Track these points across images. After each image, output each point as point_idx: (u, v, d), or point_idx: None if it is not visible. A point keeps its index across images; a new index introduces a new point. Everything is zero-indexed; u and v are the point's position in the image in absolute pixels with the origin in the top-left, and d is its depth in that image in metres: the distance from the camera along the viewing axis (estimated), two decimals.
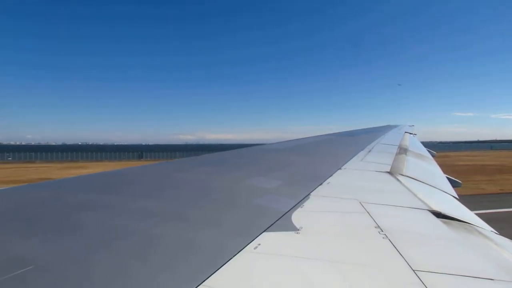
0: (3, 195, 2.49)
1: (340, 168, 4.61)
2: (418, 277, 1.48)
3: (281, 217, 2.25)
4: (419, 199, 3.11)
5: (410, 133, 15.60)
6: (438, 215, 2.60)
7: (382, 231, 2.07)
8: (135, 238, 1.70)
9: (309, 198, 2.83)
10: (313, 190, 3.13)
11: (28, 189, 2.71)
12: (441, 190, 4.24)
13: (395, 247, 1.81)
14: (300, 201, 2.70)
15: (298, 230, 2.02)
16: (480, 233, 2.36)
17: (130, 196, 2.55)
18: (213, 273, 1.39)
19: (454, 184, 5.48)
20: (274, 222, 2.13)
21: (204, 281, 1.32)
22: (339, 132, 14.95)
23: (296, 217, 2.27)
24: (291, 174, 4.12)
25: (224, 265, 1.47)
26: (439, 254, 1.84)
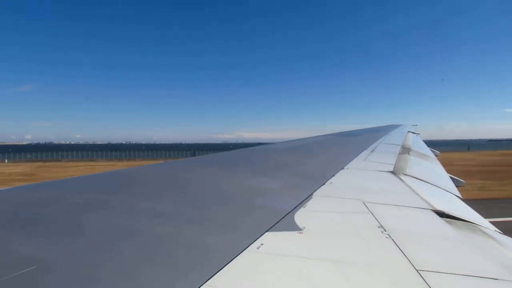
0: (9, 194, 2.50)
1: (343, 168, 4.60)
2: (422, 277, 1.47)
3: (283, 217, 2.25)
4: (422, 198, 3.10)
5: (413, 133, 15.56)
6: (442, 214, 2.60)
7: (385, 231, 2.06)
8: (138, 238, 1.71)
9: (311, 198, 2.83)
10: (315, 190, 3.12)
11: (33, 189, 2.71)
12: (445, 190, 4.22)
13: (398, 247, 1.80)
14: (303, 201, 2.70)
15: (301, 230, 2.01)
16: (484, 232, 2.35)
17: (133, 196, 2.56)
18: (216, 272, 1.39)
19: (457, 183, 5.46)
20: (277, 222, 2.13)
21: (207, 280, 1.32)
22: (342, 132, 14.92)
23: (299, 217, 2.27)
24: (294, 174, 4.12)
25: (227, 265, 1.47)
26: (443, 254, 1.84)
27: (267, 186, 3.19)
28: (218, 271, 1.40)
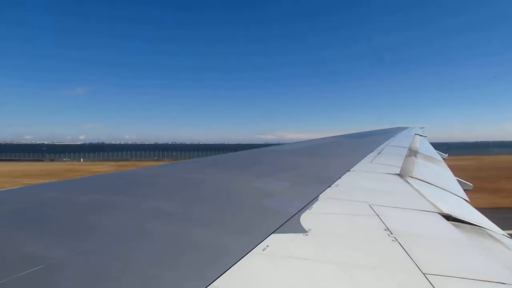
0: (17, 194, 2.53)
1: (349, 170, 4.58)
2: (428, 280, 1.46)
3: (289, 219, 2.25)
4: (429, 201, 3.08)
5: (420, 135, 15.45)
6: (449, 218, 2.58)
7: (392, 233, 2.05)
8: (145, 239, 1.72)
9: (317, 200, 2.82)
10: (322, 192, 3.12)
11: (42, 189, 2.75)
12: (452, 193, 4.19)
13: (405, 250, 1.79)
14: (309, 203, 2.69)
15: (307, 232, 2.01)
16: (491, 236, 2.33)
17: (141, 197, 2.58)
18: (222, 274, 1.40)
19: (464, 187, 5.41)
20: (283, 224, 2.13)
21: (212, 282, 1.32)
22: (349, 134, 14.87)
23: (305, 219, 2.27)
24: (300, 175, 4.12)
25: (233, 266, 1.48)
26: (450, 257, 1.82)
27: (273, 188, 3.20)
28: (224, 273, 1.41)
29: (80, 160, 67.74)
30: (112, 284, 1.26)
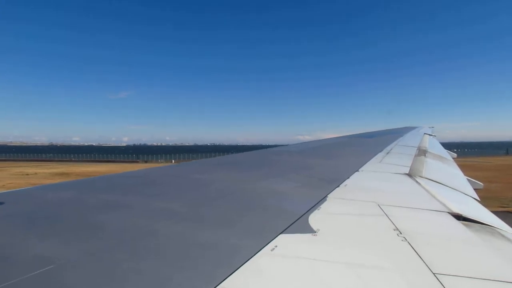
0: (28, 194, 2.57)
1: (357, 170, 4.56)
2: (439, 280, 1.46)
3: (298, 219, 2.25)
4: (439, 201, 3.06)
5: (430, 135, 15.31)
6: (459, 217, 2.55)
7: (401, 233, 2.04)
8: (153, 238, 1.74)
9: (326, 200, 2.82)
10: (330, 192, 3.11)
11: (51, 189, 2.78)
12: (462, 192, 4.15)
13: (415, 250, 1.79)
14: (317, 203, 2.69)
15: (315, 232, 2.01)
16: (502, 236, 2.30)
17: (149, 197, 2.60)
18: (230, 274, 1.41)
19: (475, 186, 5.35)
20: (291, 224, 2.13)
21: (221, 282, 1.33)
22: (358, 134, 14.80)
23: (313, 219, 2.27)
24: (308, 176, 4.11)
25: (241, 267, 1.48)
26: (460, 257, 1.81)
27: (282, 188, 3.20)
28: (232, 273, 1.42)
29: (171, 162, 69.87)
30: (123, 284, 1.27)
